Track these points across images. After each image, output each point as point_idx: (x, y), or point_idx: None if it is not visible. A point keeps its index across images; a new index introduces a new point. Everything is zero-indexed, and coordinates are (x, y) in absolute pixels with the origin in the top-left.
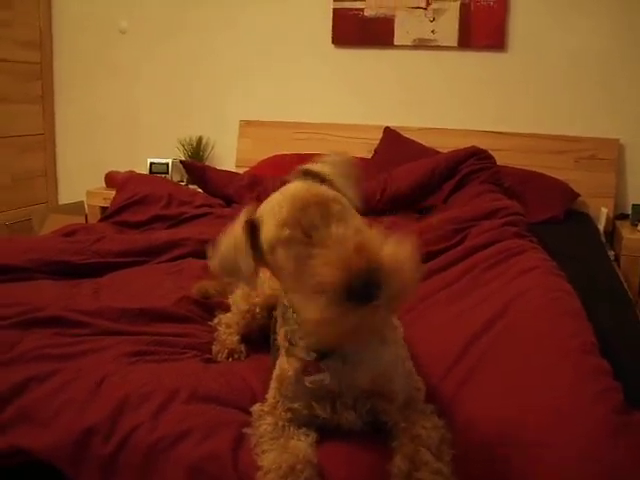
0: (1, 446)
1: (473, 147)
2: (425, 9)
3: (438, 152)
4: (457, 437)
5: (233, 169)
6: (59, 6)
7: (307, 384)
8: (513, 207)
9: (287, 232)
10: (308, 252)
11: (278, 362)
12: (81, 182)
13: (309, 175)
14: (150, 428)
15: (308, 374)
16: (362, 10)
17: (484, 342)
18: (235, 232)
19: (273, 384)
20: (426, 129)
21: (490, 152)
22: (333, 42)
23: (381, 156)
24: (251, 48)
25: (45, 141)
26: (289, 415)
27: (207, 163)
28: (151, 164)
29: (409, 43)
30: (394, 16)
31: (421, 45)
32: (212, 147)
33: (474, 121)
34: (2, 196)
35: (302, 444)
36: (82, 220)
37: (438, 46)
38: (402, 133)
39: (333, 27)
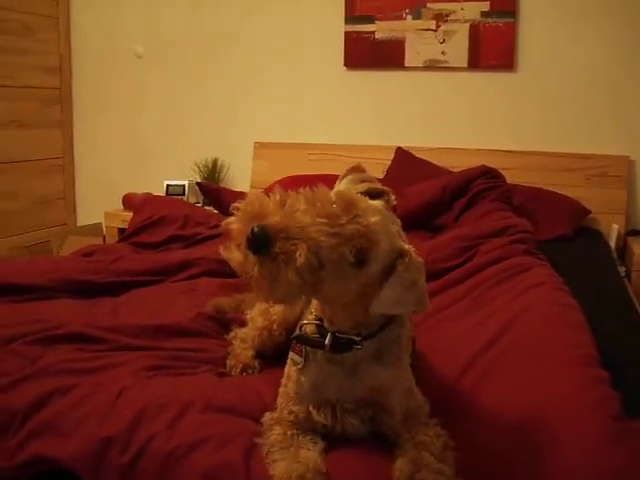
0: (26, 456)
1: (483, 166)
2: (435, 31)
3: (450, 172)
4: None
5: (248, 191)
6: (78, 33)
7: (290, 358)
8: (522, 225)
9: None
10: None
11: (289, 360)
12: (99, 204)
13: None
14: (166, 438)
15: (293, 350)
16: (373, 33)
17: (490, 355)
18: None
19: (282, 382)
20: (438, 149)
21: (501, 171)
22: (345, 64)
23: (393, 176)
24: (265, 71)
25: (64, 164)
26: (292, 418)
27: (222, 185)
28: (167, 186)
29: (420, 64)
30: (404, 38)
31: (432, 66)
32: (227, 169)
33: (485, 140)
34: (22, 219)
35: (312, 453)
36: (100, 241)
37: (448, 67)
38: (414, 153)
39: (345, 50)
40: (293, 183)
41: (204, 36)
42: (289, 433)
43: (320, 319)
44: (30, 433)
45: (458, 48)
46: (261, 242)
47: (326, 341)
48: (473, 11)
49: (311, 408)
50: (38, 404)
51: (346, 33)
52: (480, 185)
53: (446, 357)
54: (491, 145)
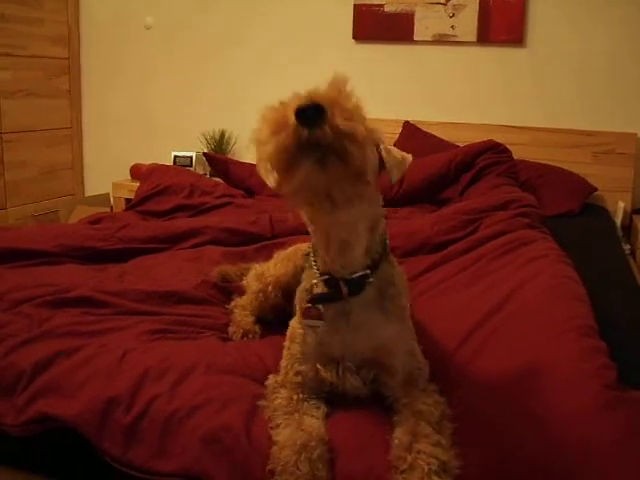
0: (31, 414)
1: (490, 141)
2: (445, 5)
3: (457, 146)
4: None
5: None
6: (87, 3)
7: (304, 325)
8: (526, 199)
9: None
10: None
11: (290, 322)
12: (107, 175)
13: None
14: (168, 399)
15: (308, 317)
16: (382, 6)
17: (490, 325)
18: None
19: (285, 345)
20: (445, 123)
21: (508, 146)
22: (354, 37)
23: (400, 149)
24: (273, 43)
25: (72, 135)
26: (299, 379)
27: (230, 156)
28: (175, 157)
29: (429, 38)
30: (414, 12)
31: (440, 40)
32: (235, 141)
33: (493, 115)
34: (30, 188)
35: (315, 422)
36: (107, 211)
37: (457, 41)
38: (421, 127)
39: (354, 22)
40: None
41: (214, 9)
42: (294, 397)
43: (326, 274)
44: (36, 392)
45: (467, 22)
46: (315, 110)
47: (341, 286)
48: None
49: (319, 366)
50: (44, 364)
51: (355, 6)
52: (486, 160)
53: (446, 327)
54: (498, 121)
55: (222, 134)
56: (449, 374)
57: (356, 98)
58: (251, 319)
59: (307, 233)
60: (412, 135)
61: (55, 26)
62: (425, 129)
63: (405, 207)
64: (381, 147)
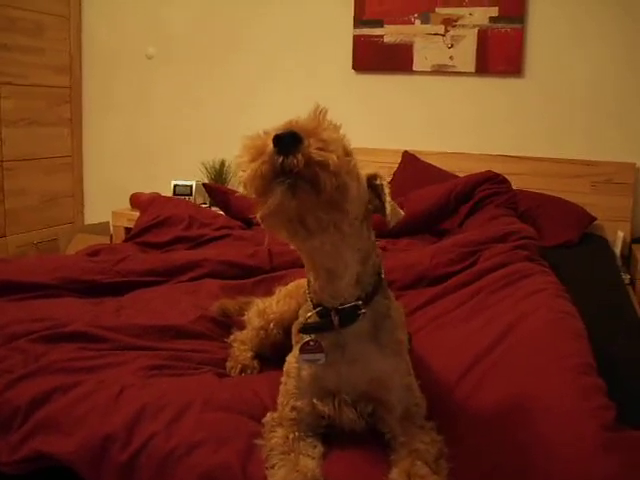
0: (27, 452)
1: (488, 171)
2: (443, 36)
3: (456, 176)
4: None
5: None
6: (89, 32)
7: (302, 362)
8: (525, 231)
9: None
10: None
11: (287, 358)
12: (107, 203)
13: None
14: (165, 437)
15: (305, 351)
16: (382, 37)
17: (487, 362)
18: None
19: (282, 381)
20: (445, 153)
21: (507, 176)
22: (353, 67)
23: (399, 180)
24: (273, 72)
25: (73, 163)
26: (294, 414)
27: (229, 186)
28: (175, 186)
29: (428, 69)
30: (413, 42)
31: (439, 71)
32: (235, 170)
33: (491, 145)
34: (31, 216)
35: (311, 462)
36: (107, 240)
37: (456, 72)
38: (421, 157)
39: (353, 53)
40: None
41: (212, 38)
42: (290, 437)
43: (319, 305)
44: (31, 429)
45: (466, 53)
46: (291, 139)
47: (332, 316)
48: (481, 16)
49: (315, 400)
50: (40, 401)
51: (355, 36)
52: (485, 190)
53: (446, 362)
54: (497, 150)
55: (222, 163)
56: (449, 409)
57: (335, 130)
58: (249, 354)
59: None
60: (411, 165)
61: (57, 55)
62: (424, 159)
63: (404, 238)
64: (386, 192)
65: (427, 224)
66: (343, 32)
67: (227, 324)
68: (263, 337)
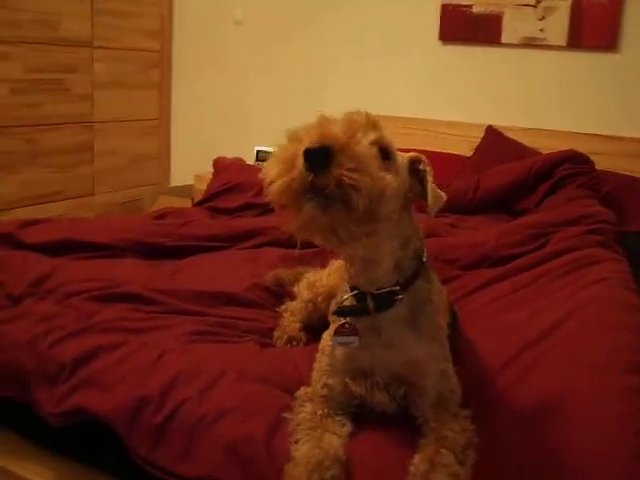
0: (68, 406)
1: (570, 150)
2: (535, 7)
3: (539, 154)
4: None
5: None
6: None
7: (335, 343)
8: (602, 214)
9: None
10: None
11: (323, 334)
12: (193, 166)
13: None
14: (197, 403)
15: (340, 333)
16: (470, 6)
17: (536, 351)
18: None
19: (317, 357)
20: (530, 129)
21: (594, 155)
22: (440, 38)
23: (481, 155)
24: (358, 42)
25: (160, 126)
26: (325, 391)
27: None
28: (257, 152)
29: (516, 41)
30: (502, 13)
31: (529, 44)
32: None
33: (579, 123)
34: (118, 176)
35: (335, 440)
36: (189, 202)
37: (546, 45)
38: (505, 133)
39: (441, 23)
40: None
41: (301, 6)
42: (319, 412)
43: (355, 288)
44: (75, 385)
45: (558, 26)
46: (322, 155)
47: (368, 301)
48: None
49: (347, 379)
50: (86, 358)
51: (443, 6)
52: (566, 170)
53: (493, 347)
54: (585, 128)
55: None
56: (488, 398)
57: (369, 142)
58: (298, 325)
59: None
60: (494, 140)
61: (149, 19)
62: (509, 135)
63: (477, 215)
64: (428, 179)
65: (503, 202)
66: (431, 2)
67: (281, 294)
68: (311, 310)
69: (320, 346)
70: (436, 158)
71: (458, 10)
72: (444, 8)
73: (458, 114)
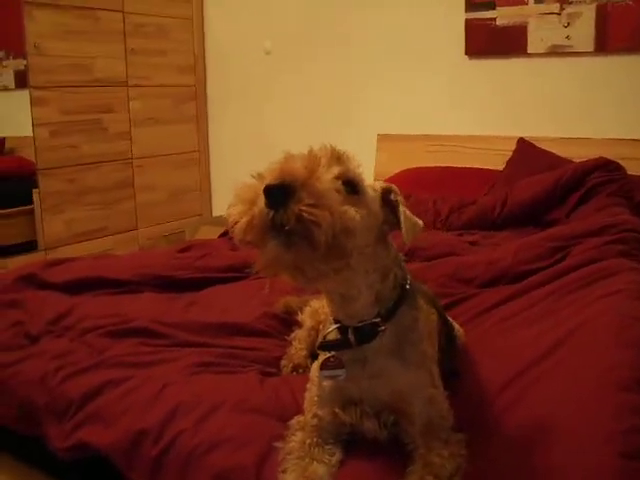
0: (74, 441)
1: (601, 158)
2: (559, 14)
3: (572, 163)
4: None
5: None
6: (211, 32)
7: (322, 377)
8: (627, 223)
9: None
10: None
11: (313, 364)
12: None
13: None
14: (191, 434)
15: (326, 367)
16: (494, 19)
17: (534, 373)
18: None
19: (307, 387)
20: (562, 139)
21: (629, 162)
22: (466, 53)
23: (512, 168)
24: (384, 63)
25: (199, 157)
26: (315, 421)
27: None
28: None
29: (543, 51)
30: (527, 23)
31: (555, 52)
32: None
33: (612, 129)
34: (160, 210)
35: (321, 469)
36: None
37: (573, 52)
38: (537, 144)
39: (466, 38)
40: (414, 175)
41: (326, 30)
42: (307, 442)
43: (338, 321)
44: (82, 420)
45: (584, 31)
46: (281, 192)
47: (349, 334)
48: None
49: (337, 409)
50: (93, 393)
51: (467, 20)
52: (597, 178)
53: (497, 367)
54: (618, 134)
55: None
56: (485, 421)
57: (330, 176)
58: (304, 353)
59: None
60: (526, 152)
61: (181, 55)
62: (541, 146)
63: (504, 231)
64: (400, 209)
65: (532, 215)
66: (455, 17)
67: (290, 322)
68: (315, 337)
69: (310, 376)
70: (468, 174)
71: (482, 24)
72: (468, 22)
73: (488, 128)
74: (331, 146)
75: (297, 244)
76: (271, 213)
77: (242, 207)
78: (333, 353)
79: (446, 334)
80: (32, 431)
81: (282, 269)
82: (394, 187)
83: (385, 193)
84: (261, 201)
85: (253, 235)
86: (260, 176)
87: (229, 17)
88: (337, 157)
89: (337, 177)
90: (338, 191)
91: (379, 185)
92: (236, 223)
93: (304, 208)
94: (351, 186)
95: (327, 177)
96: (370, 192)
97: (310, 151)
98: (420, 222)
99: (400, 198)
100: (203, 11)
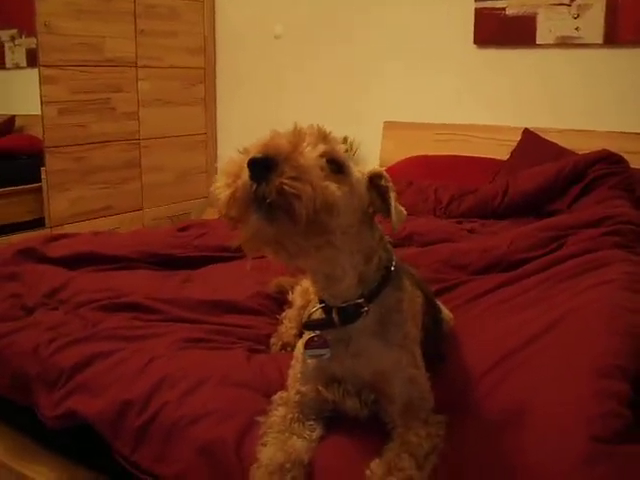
0: (63, 410)
1: (604, 150)
2: (569, 5)
3: (577, 155)
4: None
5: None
6: (222, 15)
7: (307, 356)
8: (625, 215)
9: None
10: None
11: (298, 343)
12: None
13: None
14: (175, 407)
15: (310, 346)
16: (504, 9)
17: (518, 358)
18: None
19: (291, 364)
20: (568, 131)
21: (630, 156)
22: (475, 42)
23: (517, 159)
24: (394, 49)
25: (207, 140)
26: (298, 398)
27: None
28: None
29: (552, 42)
30: (536, 14)
31: (564, 43)
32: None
33: (619, 122)
34: (166, 191)
35: (299, 443)
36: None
37: (582, 44)
38: (543, 135)
39: (475, 27)
40: (419, 163)
41: (337, 18)
42: (289, 417)
43: (322, 301)
44: (70, 390)
45: (593, 23)
46: (264, 165)
47: (333, 314)
48: None
49: (319, 386)
50: (83, 364)
51: (476, 9)
52: (599, 170)
53: (483, 351)
54: (625, 128)
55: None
56: (466, 404)
57: (314, 153)
58: (293, 332)
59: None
60: (531, 143)
61: (191, 38)
62: (547, 137)
63: (505, 220)
64: (391, 195)
65: (533, 205)
66: (465, 5)
67: (282, 301)
68: (304, 316)
69: (295, 353)
70: (473, 163)
71: (492, 13)
72: (478, 12)
73: (495, 118)
74: (318, 125)
75: (278, 218)
76: (254, 186)
77: (226, 180)
78: (318, 332)
79: (432, 317)
80: (24, 400)
81: (263, 243)
82: (384, 173)
83: (374, 177)
84: (245, 174)
85: (236, 209)
86: (245, 150)
87: (240, 0)
88: (323, 136)
89: (322, 155)
90: (322, 168)
91: (368, 169)
92: (219, 196)
93: (286, 181)
94: (336, 165)
95: (311, 154)
96: (356, 174)
97: (295, 128)
98: (404, 212)
99: (390, 184)
100: None
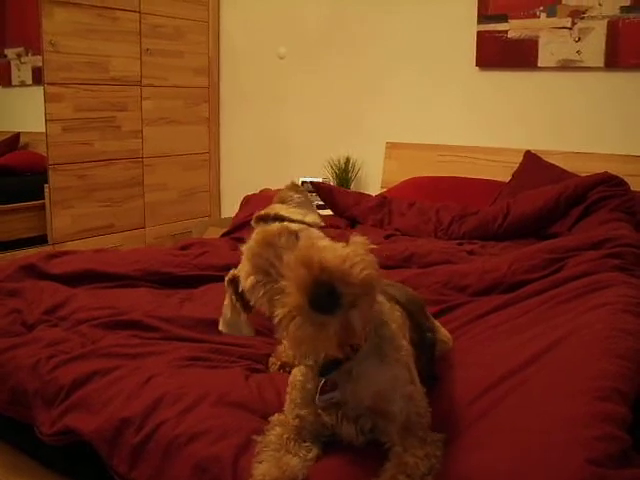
0: (60, 426)
1: (604, 173)
2: (570, 29)
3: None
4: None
5: (378, 190)
6: (226, 35)
7: (320, 402)
8: (626, 238)
9: (251, 279)
10: (275, 289)
11: (293, 370)
12: (241, 197)
13: (263, 219)
14: (173, 425)
15: (323, 393)
16: (506, 32)
17: (513, 381)
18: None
19: (287, 391)
20: (570, 153)
21: (631, 179)
22: (477, 64)
23: (519, 180)
24: (396, 72)
25: (210, 159)
26: (297, 422)
27: (354, 184)
28: (302, 183)
29: (553, 65)
30: (538, 37)
31: (566, 66)
32: (359, 168)
33: (620, 145)
34: (169, 209)
35: (294, 461)
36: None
37: (584, 67)
38: (545, 157)
39: (477, 49)
40: (421, 184)
41: (339, 38)
42: (285, 436)
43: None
44: (69, 407)
45: (595, 47)
46: (329, 299)
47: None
48: (612, 6)
49: (319, 410)
50: (82, 381)
51: (479, 32)
52: (599, 193)
53: (482, 371)
54: (626, 151)
55: (347, 161)
56: (459, 425)
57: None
58: (292, 352)
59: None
60: (533, 165)
61: (196, 57)
62: (549, 159)
63: (505, 242)
64: None
65: (534, 228)
66: (467, 28)
67: None
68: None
69: (290, 380)
70: (475, 184)
71: (494, 36)
72: (480, 34)
73: (497, 140)
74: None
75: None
76: (320, 317)
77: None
78: (327, 377)
79: (420, 335)
80: (22, 416)
81: (310, 348)
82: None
83: None
84: (301, 303)
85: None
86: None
87: (245, 21)
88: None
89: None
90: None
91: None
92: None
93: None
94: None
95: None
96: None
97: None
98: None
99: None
100: (219, 14)
